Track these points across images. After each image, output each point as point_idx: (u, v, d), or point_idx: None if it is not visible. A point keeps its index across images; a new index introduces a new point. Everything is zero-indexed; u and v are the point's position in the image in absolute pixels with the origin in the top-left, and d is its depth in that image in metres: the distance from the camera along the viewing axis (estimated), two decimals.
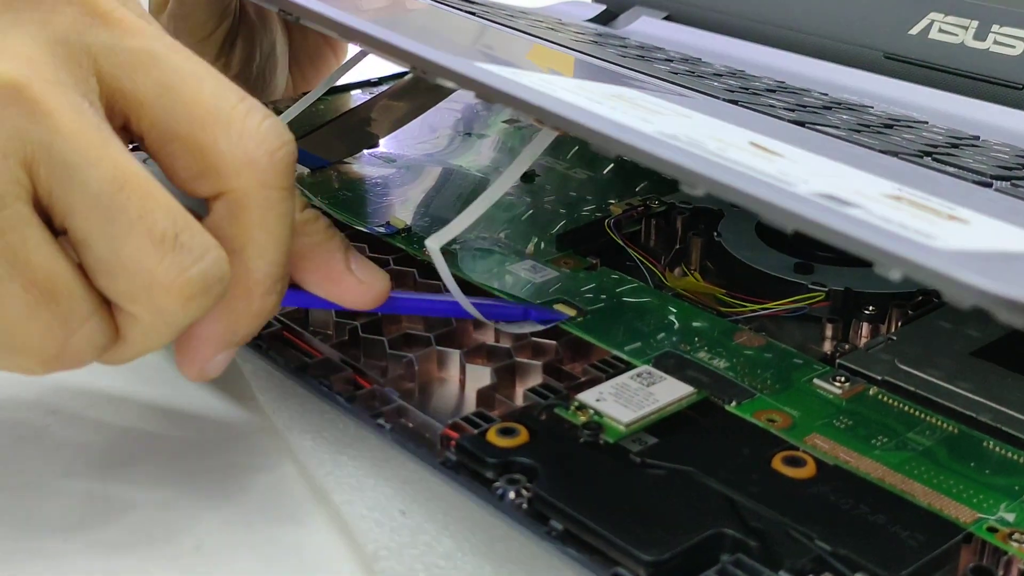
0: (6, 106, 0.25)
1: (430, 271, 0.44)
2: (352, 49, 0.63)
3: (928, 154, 0.40)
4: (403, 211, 0.49)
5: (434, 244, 0.36)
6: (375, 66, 0.57)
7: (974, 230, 0.27)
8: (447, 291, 0.38)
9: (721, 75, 0.51)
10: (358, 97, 0.61)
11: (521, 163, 0.35)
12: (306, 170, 0.53)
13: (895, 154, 0.39)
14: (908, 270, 0.22)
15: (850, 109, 0.48)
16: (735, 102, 0.42)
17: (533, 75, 0.32)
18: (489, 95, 0.28)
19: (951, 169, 0.39)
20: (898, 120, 0.48)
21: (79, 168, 0.26)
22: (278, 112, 0.52)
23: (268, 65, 0.60)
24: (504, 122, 0.60)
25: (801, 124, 0.40)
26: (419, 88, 0.58)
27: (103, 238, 0.26)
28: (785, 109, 0.43)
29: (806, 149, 0.32)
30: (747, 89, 0.47)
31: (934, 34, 0.54)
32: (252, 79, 0.59)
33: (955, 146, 0.44)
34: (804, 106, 0.45)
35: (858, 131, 0.41)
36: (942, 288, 0.22)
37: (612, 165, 0.54)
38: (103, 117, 0.27)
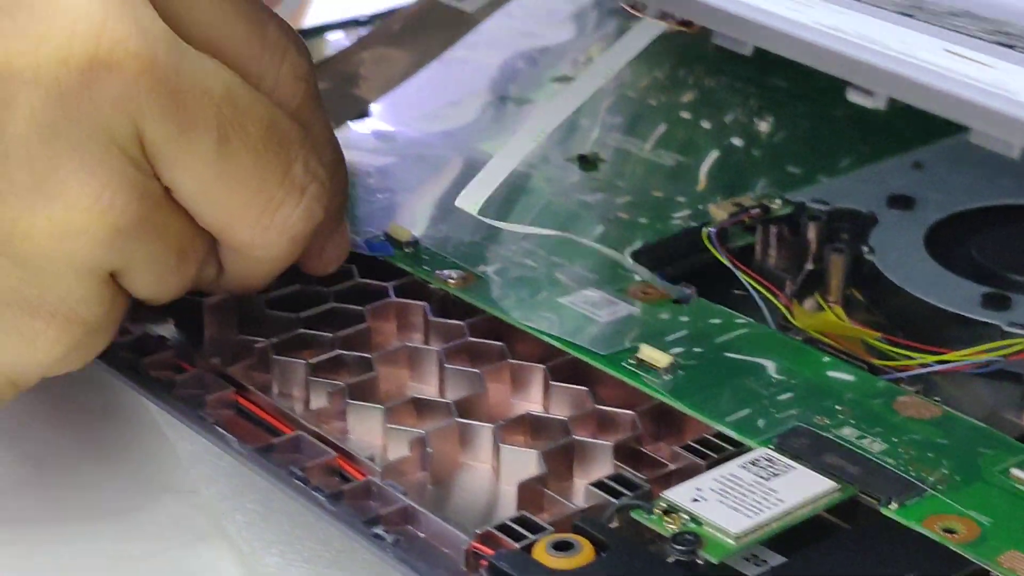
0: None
1: (447, 305, 0.44)
2: None
3: None
4: (407, 217, 0.49)
5: (466, 205, 0.41)
6: None
7: None
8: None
9: None
10: (336, 44, 0.60)
11: (607, 63, 0.37)
12: None
13: None
14: None
15: None
16: (910, 15, 0.43)
17: None
18: None
19: None
20: None
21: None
22: None
23: None
24: (556, 80, 0.60)
25: (1009, 47, 0.41)
26: (428, 22, 0.56)
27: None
28: (982, 31, 0.43)
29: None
30: (922, 8, 0.48)
31: None
32: None
33: None
34: (1005, 32, 0.46)
35: None
36: None
37: (716, 153, 0.54)
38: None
